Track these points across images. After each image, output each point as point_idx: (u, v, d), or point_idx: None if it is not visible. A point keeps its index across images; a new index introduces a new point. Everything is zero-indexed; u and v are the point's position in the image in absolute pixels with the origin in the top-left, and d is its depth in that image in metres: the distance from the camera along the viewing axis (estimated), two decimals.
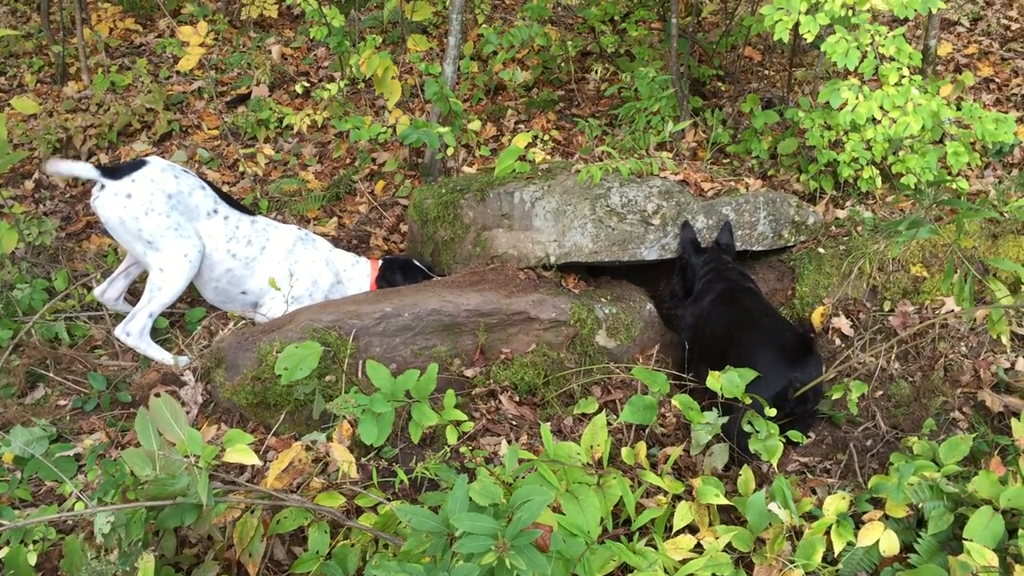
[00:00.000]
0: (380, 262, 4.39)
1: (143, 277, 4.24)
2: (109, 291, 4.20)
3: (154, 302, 3.93)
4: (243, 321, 4.13)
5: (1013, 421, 3.07)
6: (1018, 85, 5.69)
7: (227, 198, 4.18)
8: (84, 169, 3.86)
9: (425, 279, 4.26)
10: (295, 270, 4.19)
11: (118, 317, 4.10)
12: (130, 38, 7.21)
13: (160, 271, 3.92)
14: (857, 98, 3.95)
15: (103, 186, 3.84)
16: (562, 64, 6.22)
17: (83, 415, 3.67)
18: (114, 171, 3.87)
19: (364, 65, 4.91)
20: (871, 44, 3.88)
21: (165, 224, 3.87)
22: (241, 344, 3.61)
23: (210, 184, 4.16)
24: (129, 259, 4.21)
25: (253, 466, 3.19)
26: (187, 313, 4.28)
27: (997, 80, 5.83)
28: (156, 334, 4.04)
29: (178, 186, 3.93)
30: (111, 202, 3.82)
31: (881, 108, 3.92)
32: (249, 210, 4.27)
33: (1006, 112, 5.24)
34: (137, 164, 3.91)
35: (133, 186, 3.83)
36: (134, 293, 4.32)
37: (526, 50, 6.30)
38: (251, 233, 4.16)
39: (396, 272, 4.33)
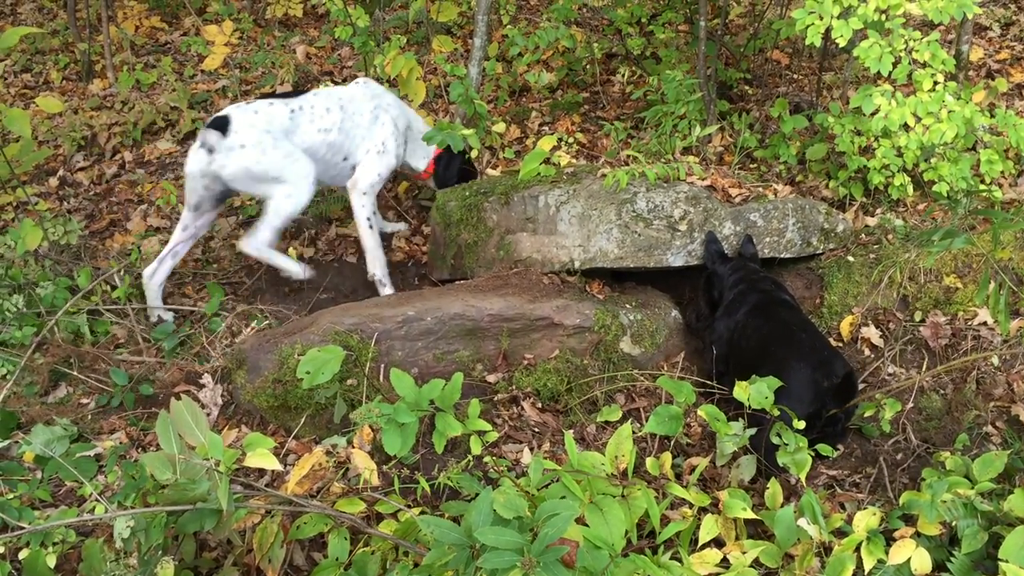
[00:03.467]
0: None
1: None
2: (159, 272, 4.33)
3: (280, 219, 4.21)
4: (265, 322, 4.11)
5: None
6: None
7: (284, 95, 4.44)
8: (213, 137, 4.08)
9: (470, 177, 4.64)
10: (378, 116, 4.50)
11: (138, 315, 4.10)
12: (155, 36, 7.23)
13: (288, 197, 4.18)
14: (890, 104, 3.88)
15: (211, 149, 4.07)
16: (587, 66, 6.17)
17: (104, 415, 3.66)
18: (216, 128, 4.10)
19: (389, 66, 4.89)
20: (905, 49, 3.81)
21: (280, 156, 4.14)
22: (263, 346, 3.58)
23: (270, 95, 4.49)
24: (175, 240, 4.38)
25: (273, 470, 3.17)
26: (207, 306, 4.26)
27: None
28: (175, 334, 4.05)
29: (268, 118, 4.18)
30: (233, 158, 4.07)
31: (914, 115, 3.85)
32: (302, 89, 4.60)
33: None
34: (224, 120, 4.12)
35: (240, 137, 4.08)
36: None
37: (551, 51, 6.25)
38: (323, 102, 4.38)
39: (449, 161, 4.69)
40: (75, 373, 3.81)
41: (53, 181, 5.51)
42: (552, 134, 5.29)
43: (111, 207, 5.32)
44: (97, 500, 2.79)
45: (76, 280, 4.32)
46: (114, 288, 4.32)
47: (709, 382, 3.54)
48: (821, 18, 3.83)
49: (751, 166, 4.94)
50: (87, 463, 3.23)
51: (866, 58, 3.79)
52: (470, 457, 3.04)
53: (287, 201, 4.17)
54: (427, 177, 4.81)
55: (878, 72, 3.79)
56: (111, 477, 3.15)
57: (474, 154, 4.55)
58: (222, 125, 4.07)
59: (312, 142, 4.31)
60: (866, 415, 3.28)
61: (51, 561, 2.58)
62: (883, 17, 3.83)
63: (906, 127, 3.93)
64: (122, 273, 4.38)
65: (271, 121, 4.18)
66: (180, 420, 2.60)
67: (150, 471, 2.50)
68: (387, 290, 4.44)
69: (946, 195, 4.22)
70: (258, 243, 4.19)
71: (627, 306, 3.89)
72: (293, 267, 4.28)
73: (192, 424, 2.61)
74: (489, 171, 4.71)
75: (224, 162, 4.07)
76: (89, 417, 3.63)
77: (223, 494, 2.38)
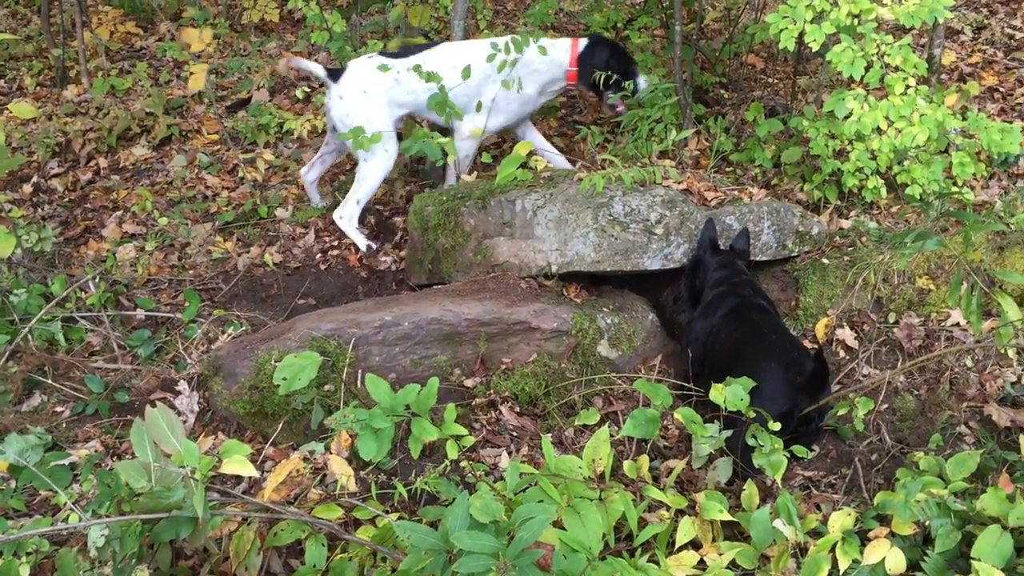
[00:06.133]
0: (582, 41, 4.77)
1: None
2: (311, 172, 4.97)
3: (360, 190, 4.62)
4: (242, 328, 4.10)
5: (1021, 437, 3.04)
6: (1022, 94, 5.66)
7: (396, 53, 4.71)
8: (317, 68, 4.57)
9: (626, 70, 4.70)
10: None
11: (113, 322, 4.08)
12: (131, 42, 7.19)
13: (364, 161, 4.56)
14: (863, 108, 3.92)
15: (330, 88, 4.54)
16: None
17: (79, 423, 3.63)
18: (335, 74, 4.55)
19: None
20: (877, 53, 3.85)
21: (367, 119, 4.44)
22: (239, 352, 3.57)
23: (380, 53, 4.73)
24: (322, 150, 4.92)
25: (250, 477, 3.15)
26: (183, 312, 4.23)
27: (1001, 89, 5.80)
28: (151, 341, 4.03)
29: (377, 78, 4.49)
30: (334, 103, 4.54)
31: (887, 118, 3.89)
32: (411, 48, 4.80)
33: (1010, 122, 5.21)
34: (343, 69, 4.56)
35: (343, 87, 4.50)
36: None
37: None
38: (437, 58, 4.57)
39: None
40: (49, 381, 3.78)
41: (27, 188, 5.46)
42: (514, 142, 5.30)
43: (86, 214, 5.28)
44: (71, 509, 2.76)
45: (50, 287, 4.28)
46: (90, 295, 4.28)
47: (686, 384, 3.55)
48: (794, 22, 3.86)
49: (727, 169, 4.97)
50: (61, 472, 3.18)
51: (839, 62, 3.83)
52: (447, 462, 3.04)
53: (365, 165, 4.57)
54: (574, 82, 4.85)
55: (851, 76, 3.83)
56: (86, 486, 3.12)
57: (450, 159, 4.56)
58: (340, 73, 4.52)
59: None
60: (840, 414, 3.30)
61: (24, 571, 2.55)
62: (855, 22, 3.87)
63: (879, 131, 3.96)
64: (96, 280, 4.35)
65: (374, 82, 4.48)
66: (155, 428, 2.58)
67: (125, 479, 2.49)
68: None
69: (918, 197, 4.26)
70: (343, 213, 4.63)
71: (604, 310, 3.91)
72: (362, 243, 4.69)
73: (167, 432, 2.59)
74: (464, 176, 4.71)
75: (329, 104, 4.59)
76: (64, 425, 3.60)
77: (199, 502, 2.37)
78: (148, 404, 2.65)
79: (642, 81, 4.82)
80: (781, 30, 3.89)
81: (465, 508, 2.08)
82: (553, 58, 4.72)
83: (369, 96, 4.51)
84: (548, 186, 4.06)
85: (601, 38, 4.87)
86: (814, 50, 3.87)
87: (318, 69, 4.57)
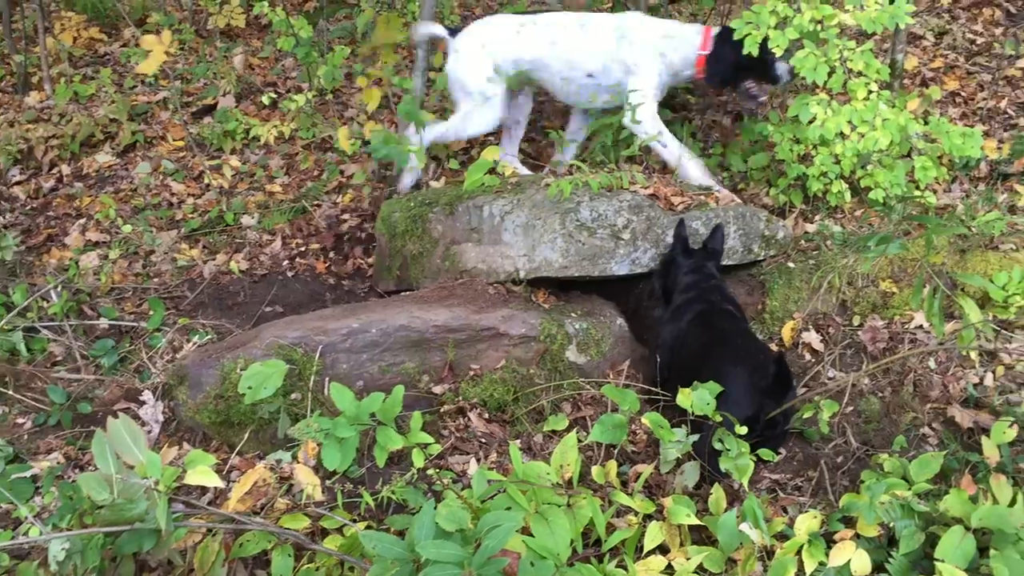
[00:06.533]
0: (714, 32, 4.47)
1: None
2: (508, 146, 4.99)
3: (451, 127, 4.65)
4: (207, 337, 4.06)
5: (983, 438, 3.08)
6: (984, 99, 5.74)
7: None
8: (439, 29, 4.67)
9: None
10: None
11: (76, 332, 4.03)
12: (94, 47, 7.11)
13: (467, 109, 4.60)
14: (826, 113, 3.96)
15: (448, 45, 4.63)
16: None
17: (41, 434, 3.58)
18: (455, 31, 4.67)
19: (365, 95, 4.91)
20: (840, 59, 3.89)
21: (476, 72, 4.51)
22: (204, 361, 3.54)
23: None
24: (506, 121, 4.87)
25: (216, 487, 3.12)
26: (148, 321, 4.19)
27: (963, 94, 5.88)
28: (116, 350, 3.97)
29: (496, 31, 4.56)
30: (450, 60, 4.62)
31: (850, 123, 3.93)
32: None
33: (971, 126, 5.28)
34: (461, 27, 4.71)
35: (460, 42, 4.58)
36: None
37: None
38: (556, 16, 4.63)
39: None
40: (11, 392, 3.73)
41: None
42: (497, 144, 5.29)
43: (48, 222, 5.21)
44: (32, 522, 2.72)
45: (11, 296, 4.22)
46: (52, 304, 4.22)
47: (655, 388, 3.56)
48: (758, 28, 3.90)
49: None
50: (23, 484, 3.15)
51: (802, 68, 3.87)
52: (414, 470, 3.03)
53: (460, 119, 4.61)
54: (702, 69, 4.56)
55: (815, 81, 3.86)
56: (48, 498, 3.08)
57: (420, 166, 4.55)
58: (458, 29, 4.66)
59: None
60: (805, 417, 3.32)
61: None
62: (818, 27, 3.91)
63: (842, 135, 4.00)
64: (59, 289, 4.29)
65: (493, 35, 4.54)
66: (117, 439, 2.55)
67: (87, 492, 2.46)
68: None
69: (882, 201, 4.30)
70: (428, 135, 4.61)
71: (573, 315, 3.91)
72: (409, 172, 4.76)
73: (130, 442, 2.56)
74: (432, 183, 4.71)
75: (447, 65, 4.66)
76: (25, 437, 3.55)
77: (162, 514, 2.34)
78: (111, 415, 2.61)
79: (783, 67, 4.33)
80: (746, 35, 3.92)
81: (431, 517, 2.08)
82: (685, 35, 4.49)
83: (485, 50, 4.52)
84: (516, 191, 4.06)
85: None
86: (777, 55, 3.90)
87: (440, 29, 4.65)
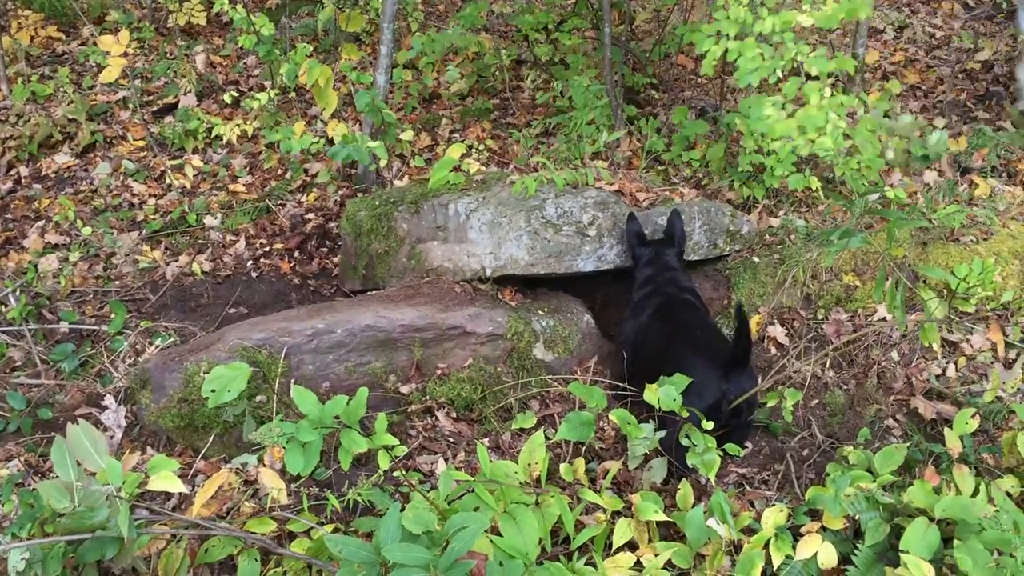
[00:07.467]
0: None
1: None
2: None
3: None
4: (170, 340, 4.00)
5: (946, 430, 3.11)
6: (943, 92, 5.81)
7: None
8: None
9: None
10: None
11: (36, 336, 3.95)
12: (52, 46, 6.98)
13: None
14: (779, 114, 3.94)
15: None
16: (496, 72, 6.18)
17: (0, 441, 3.51)
18: None
19: (304, 75, 4.78)
20: (794, 62, 3.88)
21: None
22: (167, 364, 3.49)
23: None
24: None
25: (180, 492, 3.08)
26: (109, 324, 4.12)
27: (923, 87, 5.95)
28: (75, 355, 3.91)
29: None
30: None
31: (799, 128, 3.89)
32: None
33: (931, 118, 5.34)
34: None
35: None
36: None
37: (460, 58, 6.24)
38: None
39: None
40: None
41: None
42: (462, 141, 5.28)
43: (6, 224, 5.11)
44: None
45: None
46: (11, 309, 4.14)
47: (622, 384, 3.57)
48: (718, 41, 3.86)
49: (659, 168, 5.01)
50: None
51: (744, 71, 3.81)
52: (380, 472, 3.01)
53: None
54: None
55: (776, 81, 3.86)
56: (7, 507, 3.02)
57: (383, 163, 4.51)
58: None
59: None
60: (769, 404, 3.34)
61: None
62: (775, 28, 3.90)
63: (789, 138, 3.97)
64: (17, 292, 4.21)
65: None
66: (77, 445, 2.51)
67: (47, 499, 2.42)
68: None
69: (851, 192, 4.30)
70: None
71: (539, 312, 3.90)
72: None
73: (91, 449, 2.53)
74: (396, 182, 4.67)
75: None
76: None
77: (123, 521, 2.31)
78: (72, 420, 2.56)
79: None
80: (706, 50, 3.88)
81: (397, 520, 2.06)
82: None
83: None
84: (481, 189, 4.05)
85: None
86: (729, 59, 3.89)
87: None
